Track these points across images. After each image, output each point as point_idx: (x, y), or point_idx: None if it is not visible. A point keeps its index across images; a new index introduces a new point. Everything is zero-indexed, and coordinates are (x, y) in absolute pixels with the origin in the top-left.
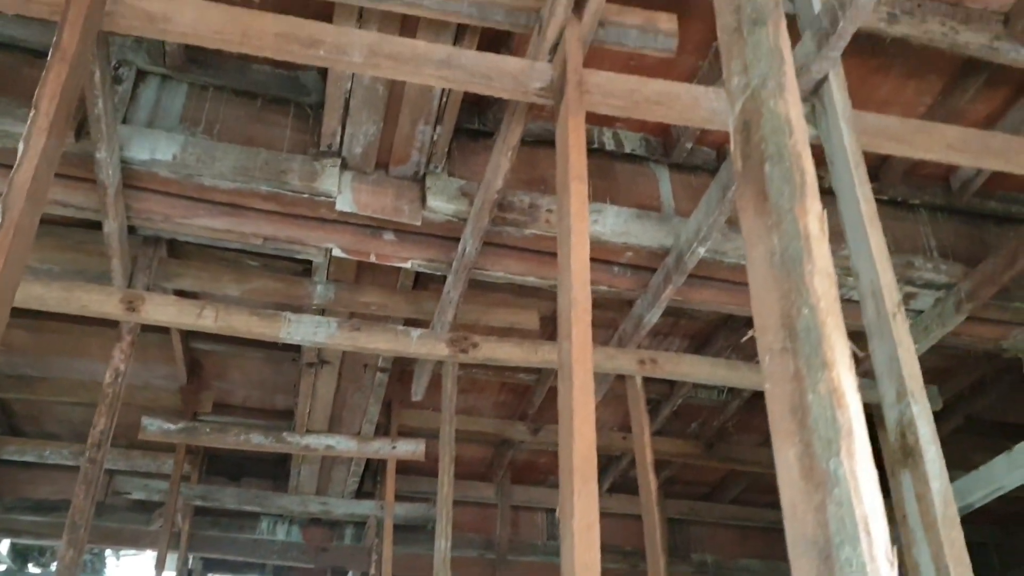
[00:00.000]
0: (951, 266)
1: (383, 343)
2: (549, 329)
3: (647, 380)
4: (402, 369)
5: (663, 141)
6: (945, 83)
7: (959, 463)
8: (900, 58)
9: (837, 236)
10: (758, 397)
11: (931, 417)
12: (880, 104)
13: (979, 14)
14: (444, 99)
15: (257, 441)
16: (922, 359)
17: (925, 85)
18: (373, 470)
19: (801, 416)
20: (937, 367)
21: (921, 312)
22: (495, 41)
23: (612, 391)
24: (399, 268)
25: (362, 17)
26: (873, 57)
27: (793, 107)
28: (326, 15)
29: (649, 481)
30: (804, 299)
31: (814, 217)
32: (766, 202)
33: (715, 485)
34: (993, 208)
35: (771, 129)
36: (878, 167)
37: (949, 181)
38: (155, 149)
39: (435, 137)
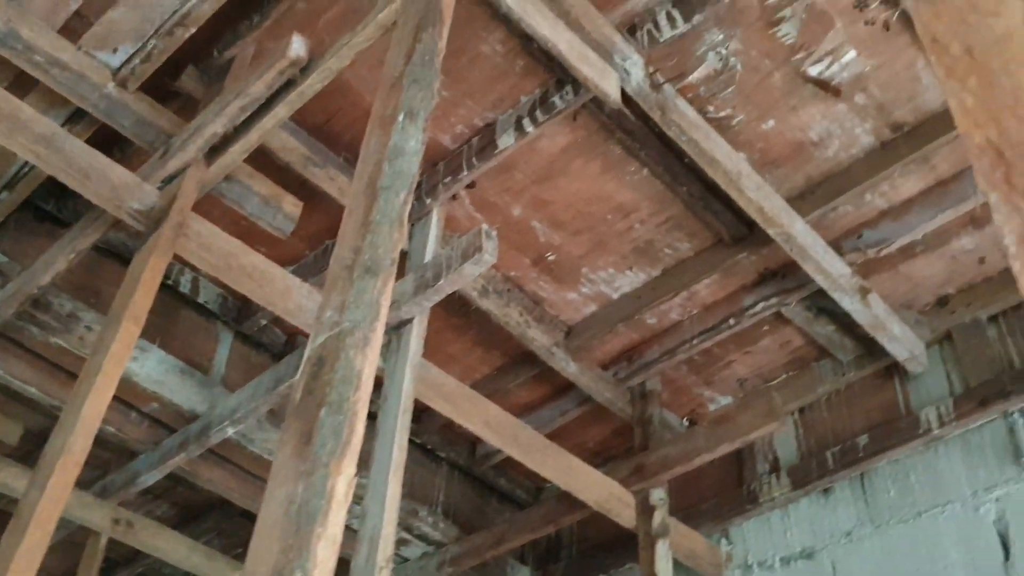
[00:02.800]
0: (448, 527)
1: None
2: (27, 448)
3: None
4: None
5: (240, 306)
6: (505, 362)
7: None
8: (479, 326)
9: (363, 462)
10: None
11: None
12: (447, 357)
13: (551, 319)
14: (27, 169)
15: None
16: None
17: (489, 357)
18: None
19: None
20: None
21: (407, 560)
22: (113, 138)
23: (70, 536)
24: None
25: None
26: (457, 315)
27: (370, 365)
28: None
29: None
30: (302, 562)
31: (345, 480)
32: (308, 446)
33: None
34: (502, 485)
35: (342, 378)
36: (425, 409)
37: (476, 446)
38: None
39: None
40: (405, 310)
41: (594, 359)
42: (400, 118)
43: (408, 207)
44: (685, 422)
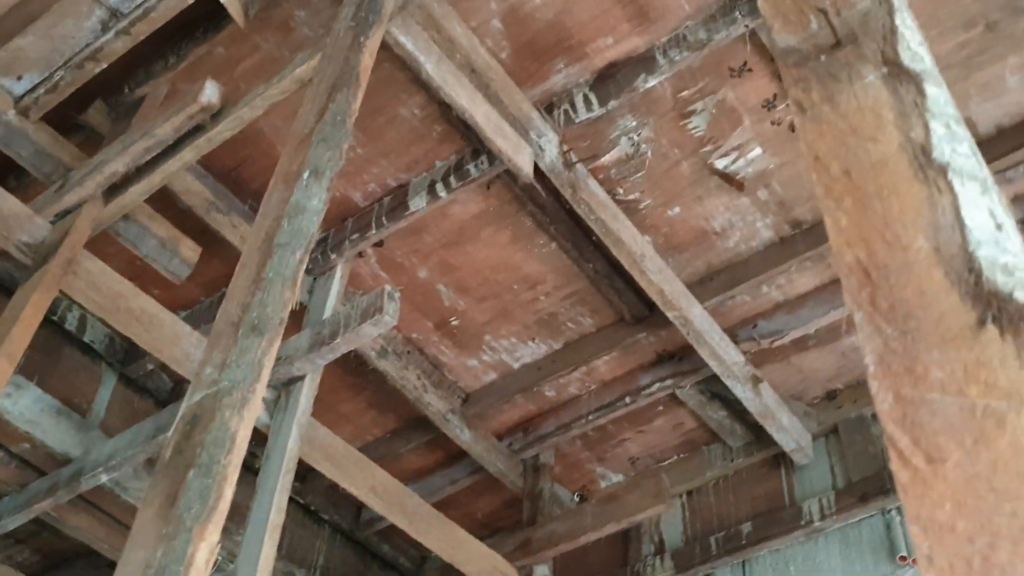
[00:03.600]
0: None
1: None
2: None
3: None
4: None
5: (128, 348)
6: (399, 426)
7: None
8: (375, 387)
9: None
10: None
11: None
12: (339, 416)
13: (450, 384)
14: None
15: None
16: None
17: (383, 419)
18: None
19: None
20: None
21: None
22: (9, 167)
23: None
24: None
25: None
26: (353, 374)
27: (245, 428)
28: None
29: None
30: None
31: (207, 547)
32: (172, 509)
33: None
34: (386, 552)
35: (214, 439)
36: (311, 468)
37: (361, 510)
38: None
39: None
40: (298, 366)
41: (490, 428)
42: (305, 175)
43: (303, 266)
44: (576, 497)
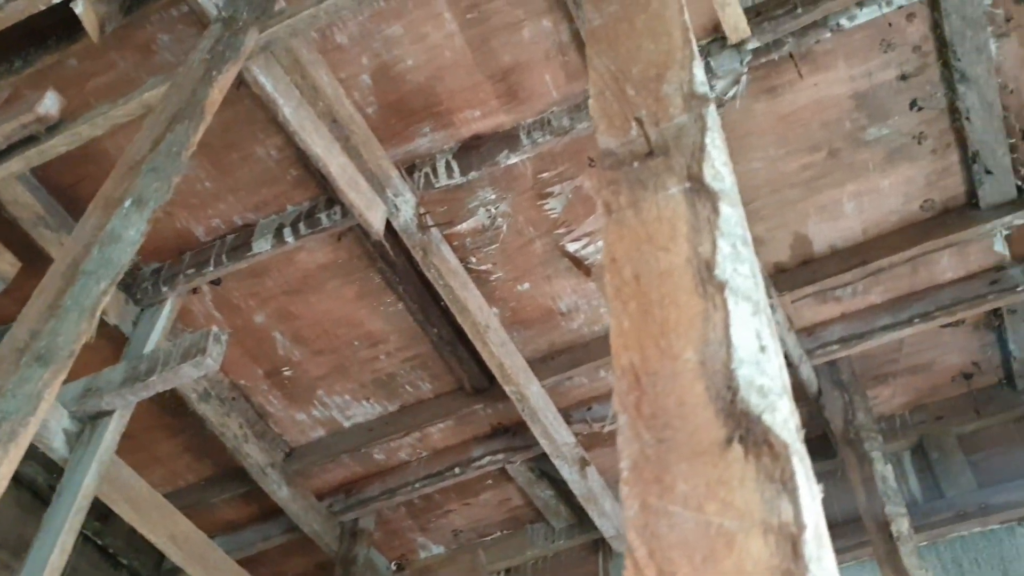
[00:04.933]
0: None
1: None
2: None
3: None
4: None
5: None
6: (214, 474)
7: None
8: (193, 430)
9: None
10: None
11: None
12: (154, 458)
13: (274, 437)
14: None
15: None
16: None
17: (198, 465)
18: None
19: None
20: None
21: None
22: None
23: None
24: None
25: None
26: (171, 414)
27: (9, 463)
28: None
29: None
30: None
31: None
32: None
33: None
34: None
35: None
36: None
37: (163, 559)
38: None
39: None
40: (107, 400)
41: (310, 486)
42: (127, 204)
43: (107, 298)
44: (393, 566)
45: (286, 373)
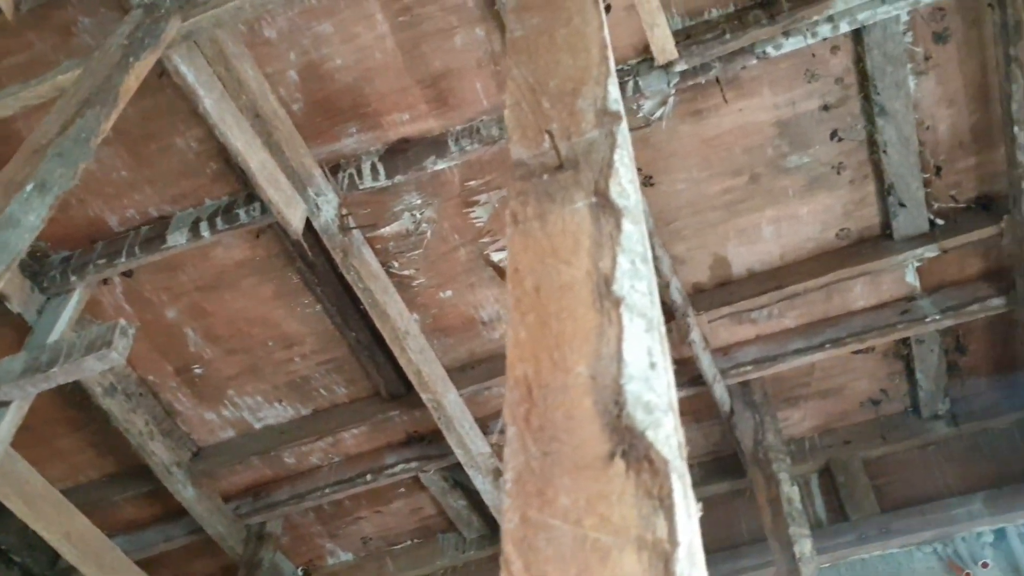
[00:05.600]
0: None
1: None
2: None
3: None
4: None
5: None
6: (117, 470)
7: None
8: (97, 425)
9: None
10: None
11: None
12: (52, 452)
13: (181, 435)
14: None
15: None
16: None
17: (101, 462)
18: None
19: None
20: None
21: None
22: None
23: None
24: None
25: None
26: (75, 408)
27: None
28: None
29: None
30: None
31: None
32: None
33: None
34: None
35: None
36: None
37: (59, 557)
38: None
39: None
40: (4, 391)
41: (217, 488)
42: (28, 188)
43: (2, 283)
44: (299, 572)
45: (197, 371)
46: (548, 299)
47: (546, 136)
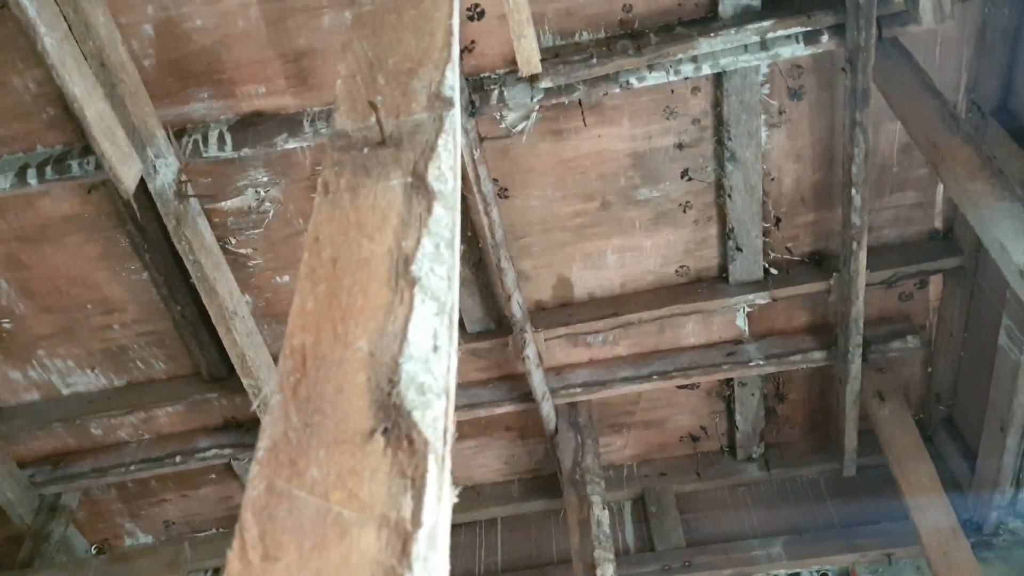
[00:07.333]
0: None
1: None
2: None
3: None
4: None
5: None
6: None
7: None
8: None
9: None
10: None
11: None
12: None
13: None
14: None
15: None
16: None
17: None
18: None
19: None
20: None
21: None
22: None
23: None
24: None
25: None
26: None
27: None
28: None
29: None
30: None
31: None
32: None
33: None
34: None
35: None
36: None
37: None
38: None
39: None
40: None
41: (13, 452)
42: None
43: None
44: (92, 550)
45: (5, 325)
46: (343, 272)
47: (373, 112)
